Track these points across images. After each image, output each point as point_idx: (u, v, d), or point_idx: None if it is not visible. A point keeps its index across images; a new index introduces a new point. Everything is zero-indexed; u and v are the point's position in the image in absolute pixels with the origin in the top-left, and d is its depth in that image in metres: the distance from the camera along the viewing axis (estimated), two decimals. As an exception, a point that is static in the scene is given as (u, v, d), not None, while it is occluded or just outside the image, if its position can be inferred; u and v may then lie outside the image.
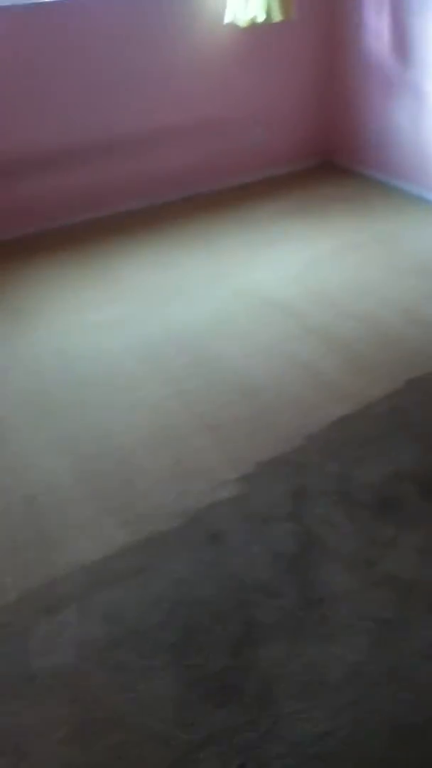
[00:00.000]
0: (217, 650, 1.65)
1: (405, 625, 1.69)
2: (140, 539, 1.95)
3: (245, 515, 2.02)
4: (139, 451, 2.28)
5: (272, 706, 1.53)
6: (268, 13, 3.68)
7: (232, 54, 3.95)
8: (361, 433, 2.31)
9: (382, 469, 2.16)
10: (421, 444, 2.26)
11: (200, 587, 1.80)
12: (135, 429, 2.38)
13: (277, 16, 3.72)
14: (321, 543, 1.92)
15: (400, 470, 2.16)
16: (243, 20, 3.69)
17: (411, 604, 1.74)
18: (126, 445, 2.30)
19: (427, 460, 2.20)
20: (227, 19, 3.71)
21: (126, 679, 1.60)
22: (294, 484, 2.11)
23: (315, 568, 1.84)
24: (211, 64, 3.91)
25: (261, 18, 3.68)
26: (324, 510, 2.02)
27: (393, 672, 1.59)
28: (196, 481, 2.14)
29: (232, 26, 3.80)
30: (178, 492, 2.11)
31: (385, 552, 1.89)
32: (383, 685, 1.56)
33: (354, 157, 4.48)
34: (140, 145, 3.90)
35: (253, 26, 3.79)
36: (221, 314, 3.02)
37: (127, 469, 2.21)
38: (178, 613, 1.74)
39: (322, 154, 4.65)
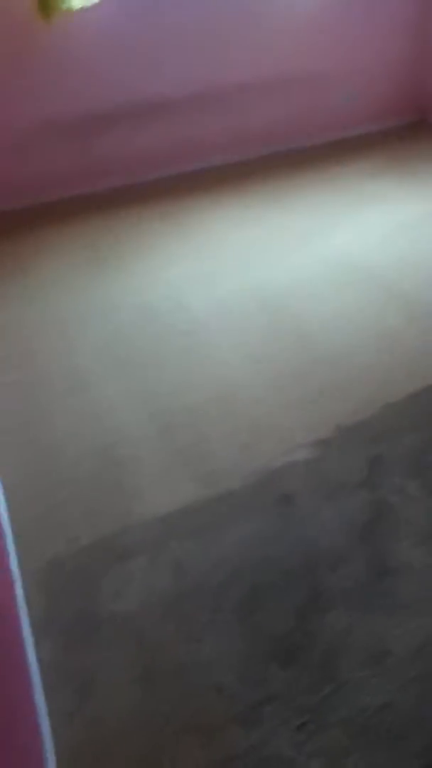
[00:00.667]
0: (282, 612, 1.66)
1: None
2: (212, 495, 1.97)
3: (319, 479, 2.00)
4: (213, 408, 2.29)
5: (335, 672, 1.54)
6: None
7: (325, 8, 3.80)
8: (444, 405, 2.25)
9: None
10: None
11: (269, 548, 1.81)
12: (211, 386, 2.38)
13: None
14: (394, 514, 1.89)
15: None
16: None
17: None
18: (201, 402, 2.31)
19: None
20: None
21: (191, 631, 1.63)
22: (371, 452, 2.07)
23: (386, 538, 1.82)
24: (304, 19, 3.77)
25: None
26: (399, 481, 1.98)
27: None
28: (271, 442, 2.14)
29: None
30: (252, 451, 2.11)
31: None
32: (451, 663, 1.54)
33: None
34: (231, 100, 3.83)
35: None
36: (304, 275, 2.96)
37: (202, 425, 2.22)
38: (246, 572, 1.76)
39: (416, 112, 4.45)
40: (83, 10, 3.20)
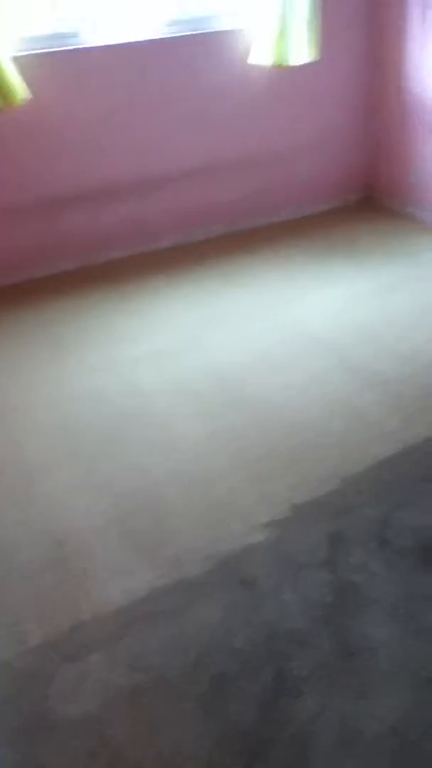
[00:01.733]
0: (247, 702, 1.60)
1: (449, 683, 1.62)
2: (170, 583, 1.93)
3: (279, 560, 1.98)
4: (172, 491, 2.27)
5: (305, 764, 1.47)
6: (289, 54, 3.74)
7: (268, 93, 4.03)
8: (402, 477, 2.26)
9: (424, 514, 2.10)
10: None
11: (231, 635, 1.77)
12: (169, 468, 2.37)
13: (300, 59, 3.77)
14: (358, 592, 1.86)
15: (444, 516, 2.10)
16: (270, 61, 3.76)
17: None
18: (159, 486, 2.30)
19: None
20: (256, 61, 3.80)
21: (151, 731, 1.56)
22: (331, 529, 2.06)
23: (351, 618, 1.79)
24: (246, 103, 3.99)
25: (283, 60, 3.74)
26: (362, 557, 1.97)
27: (435, 733, 1.52)
28: (230, 523, 2.12)
29: (276, 66, 3.88)
30: (211, 534, 2.08)
31: (426, 603, 1.82)
32: (423, 744, 1.49)
33: (395, 195, 4.48)
34: (178, 182, 3.98)
35: (295, 66, 3.86)
36: (259, 351, 3.02)
37: (159, 510, 2.20)
38: (208, 662, 1.70)
39: (362, 191, 4.67)
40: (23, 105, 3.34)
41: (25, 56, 3.32)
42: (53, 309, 3.47)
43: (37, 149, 3.55)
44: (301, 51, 3.75)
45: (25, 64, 3.32)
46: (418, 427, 2.47)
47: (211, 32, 3.75)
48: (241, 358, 2.97)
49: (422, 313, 3.25)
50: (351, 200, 4.66)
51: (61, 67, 3.46)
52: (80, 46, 3.48)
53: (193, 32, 3.71)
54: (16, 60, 3.27)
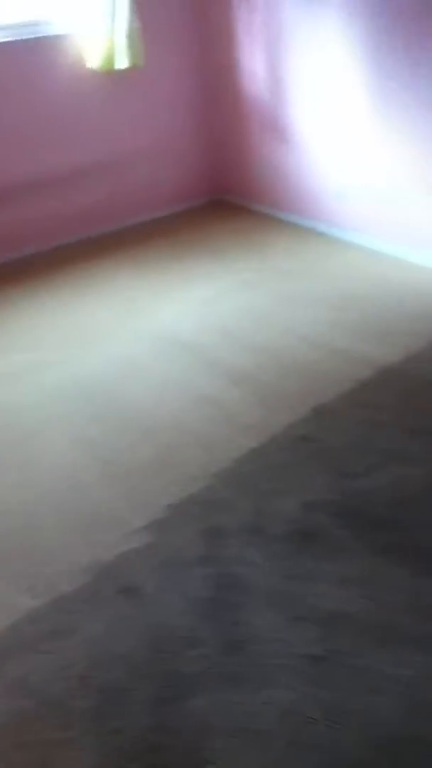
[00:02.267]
0: (138, 711, 1.57)
1: (335, 658, 1.67)
2: (48, 601, 1.86)
3: (158, 563, 1.96)
4: (41, 507, 2.19)
5: (203, 763, 1.46)
6: (115, 59, 3.77)
7: (102, 99, 4.01)
8: (270, 465, 2.31)
9: (295, 500, 2.16)
10: (332, 472, 2.28)
11: (115, 645, 1.73)
12: (37, 484, 2.29)
13: (124, 63, 3.80)
14: (239, 583, 1.88)
15: (313, 500, 2.16)
16: (98, 66, 3.77)
17: (338, 636, 1.72)
18: (28, 502, 2.21)
19: (340, 488, 2.21)
20: (87, 66, 3.80)
21: (39, 757, 1.49)
22: (206, 525, 2.07)
23: (235, 610, 1.80)
24: (82, 109, 3.96)
25: (110, 65, 3.77)
26: (238, 549, 1.99)
27: (327, 708, 1.56)
28: (104, 533, 2.07)
29: (105, 71, 3.87)
30: (86, 547, 2.03)
31: (305, 585, 1.87)
32: (318, 723, 1.53)
33: (245, 194, 4.60)
34: (30, 191, 3.88)
35: (125, 70, 3.87)
36: (122, 356, 2.99)
37: (30, 528, 2.11)
38: (94, 676, 1.65)
39: (214, 192, 4.75)
40: None
41: None
42: None
43: None
44: (125, 56, 3.77)
45: None
46: (280, 415, 2.54)
47: (42, 37, 3.68)
48: (104, 367, 2.92)
49: (279, 305, 3.35)
50: (203, 201, 4.73)
51: None
52: None
53: (23, 37, 3.62)
54: None
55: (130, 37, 3.74)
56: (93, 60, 3.77)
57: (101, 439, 2.48)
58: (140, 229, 4.36)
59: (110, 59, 3.77)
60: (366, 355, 2.90)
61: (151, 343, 3.08)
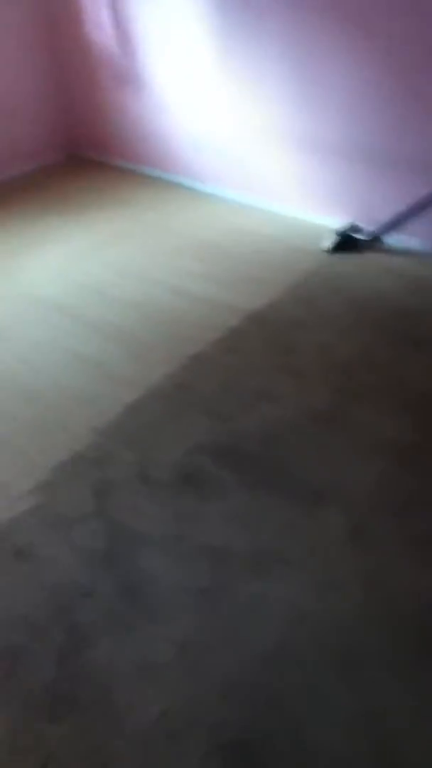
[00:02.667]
0: (43, 666, 1.63)
1: (224, 589, 1.78)
2: None
3: (50, 522, 1.99)
4: None
5: (110, 704, 1.55)
6: None
7: None
8: (151, 417, 2.38)
9: (177, 447, 2.24)
10: (210, 416, 2.38)
11: (14, 607, 1.76)
12: None
13: None
14: (130, 532, 1.95)
15: (194, 445, 2.25)
16: None
17: (226, 569, 1.84)
18: None
19: (218, 431, 2.31)
20: None
21: None
22: (94, 480, 2.12)
23: (128, 558, 1.88)
24: None
25: None
26: (127, 499, 2.06)
27: (220, 636, 1.67)
28: (-8, 500, 2.08)
29: None
30: (-27, 516, 2.03)
31: (192, 525, 1.97)
32: (213, 651, 1.65)
33: (102, 149, 4.52)
34: None
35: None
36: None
37: None
38: (-4, 639, 1.69)
39: (71, 148, 4.63)
40: None
41: None
42: None
43: None
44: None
45: None
46: (155, 367, 2.60)
47: None
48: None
49: (143, 260, 3.37)
50: (60, 159, 4.60)
51: None
52: None
53: None
54: None
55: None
56: None
57: (-22, 407, 2.45)
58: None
59: None
60: (232, 304, 3.00)
61: (17, 306, 3.03)
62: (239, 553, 1.88)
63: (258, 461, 2.19)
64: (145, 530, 1.96)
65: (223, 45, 3.54)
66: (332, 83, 3.29)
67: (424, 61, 3.00)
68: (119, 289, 3.12)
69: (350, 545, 1.91)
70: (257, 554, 1.88)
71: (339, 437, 2.29)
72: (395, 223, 3.40)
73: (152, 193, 4.11)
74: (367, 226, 3.51)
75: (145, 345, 2.73)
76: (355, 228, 3.55)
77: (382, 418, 2.36)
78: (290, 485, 2.10)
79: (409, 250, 3.48)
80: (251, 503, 2.04)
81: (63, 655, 1.65)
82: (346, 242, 3.49)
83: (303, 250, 3.45)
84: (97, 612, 1.74)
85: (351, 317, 2.93)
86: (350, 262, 3.37)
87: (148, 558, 1.87)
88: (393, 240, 3.49)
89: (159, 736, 1.48)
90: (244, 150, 3.80)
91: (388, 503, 2.04)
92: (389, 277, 3.24)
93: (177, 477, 2.13)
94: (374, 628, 1.69)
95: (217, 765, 1.43)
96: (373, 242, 3.51)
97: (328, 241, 3.48)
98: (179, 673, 1.60)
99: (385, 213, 3.40)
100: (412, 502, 2.04)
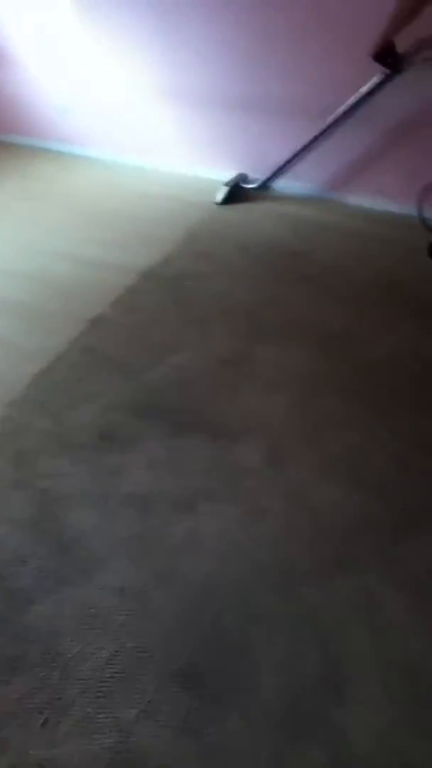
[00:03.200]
0: (-14, 633, 1.62)
1: (155, 533, 1.82)
2: None
3: (-28, 499, 1.96)
4: None
5: (58, 657, 1.56)
6: None
7: None
8: (62, 382, 2.36)
9: (91, 407, 2.24)
10: (119, 374, 2.38)
11: None
12: None
13: None
14: (56, 495, 1.95)
15: (108, 403, 2.25)
16: None
17: (154, 514, 1.87)
18: None
19: (130, 386, 2.32)
20: None
21: None
22: (11, 452, 2.09)
23: (58, 519, 1.88)
24: None
25: None
26: (48, 465, 2.04)
27: (157, 576, 1.71)
28: None
29: None
30: None
31: (116, 479, 1.98)
32: (153, 590, 1.68)
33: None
34: None
35: None
36: None
37: None
38: None
39: None
40: None
41: None
42: None
43: None
44: None
45: None
46: (60, 334, 2.57)
47: None
48: None
49: (30, 228, 3.29)
50: None
51: None
52: None
53: None
54: None
55: None
56: None
57: None
58: None
59: None
60: (127, 263, 2.98)
61: None
62: (166, 498, 1.92)
63: (172, 410, 2.22)
64: (70, 492, 1.96)
65: (83, 3, 3.45)
66: (196, 34, 3.28)
67: (277, 17, 3.04)
68: (11, 261, 3.04)
69: (269, 473, 1.98)
70: (183, 495, 1.92)
71: (247, 377, 2.34)
72: (279, 171, 3.46)
73: (26, 161, 4.01)
74: (254, 175, 3.56)
75: (45, 315, 2.69)
76: (243, 178, 3.59)
77: (284, 353, 2.43)
78: (207, 428, 2.14)
79: (294, 194, 3.56)
80: (171, 450, 2.07)
81: (5, 622, 1.64)
82: (236, 193, 3.53)
83: (192, 204, 3.47)
84: (33, 576, 1.73)
85: (243, 263, 2.97)
86: (239, 211, 3.41)
87: (77, 518, 1.88)
88: (280, 186, 3.56)
89: (112, 678, 1.51)
90: (110, 109, 3.75)
91: (299, 430, 2.12)
92: (276, 222, 3.30)
93: (95, 436, 2.13)
94: (300, 544, 1.77)
95: (171, 694, 1.48)
96: (262, 190, 3.57)
97: (220, 194, 3.50)
98: (123, 616, 1.63)
99: (270, 161, 3.46)
100: (319, 425, 2.13)
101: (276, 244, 3.11)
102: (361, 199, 3.48)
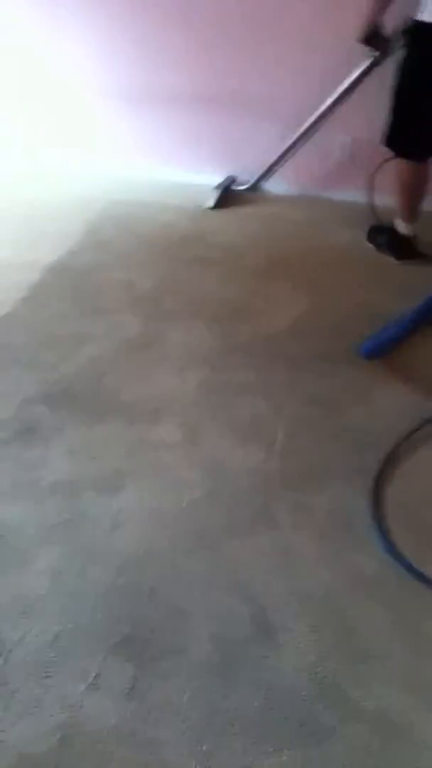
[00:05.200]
0: None
1: (82, 516, 1.81)
2: None
3: None
4: None
5: (0, 645, 1.54)
6: None
7: None
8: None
9: (8, 404, 2.19)
10: (32, 369, 2.33)
11: None
12: None
13: None
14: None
15: (24, 398, 2.21)
16: None
17: (80, 498, 1.86)
18: None
19: (45, 380, 2.28)
20: None
21: None
22: None
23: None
24: None
25: None
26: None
27: (88, 556, 1.71)
28: None
29: None
30: None
31: (40, 470, 1.95)
32: (86, 570, 1.68)
33: None
34: None
35: None
36: None
37: None
38: None
39: None
40: None
41: None
42: None
43: None
44: None
45: None
46: None
47: None
48: None
49: None
50: None
51: None
52: None
53: None
54: None
55: None
56: None
57: None
58: None
59: None
60: (29, 260, 2.92)
61: None
62: (90, 482, 1.91)
63: (90, 398, 2.20)
64: (-2, 488, 1.92)
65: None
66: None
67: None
68: None
69: (187, 446, 2.01)
70: (107, 478, 1.92)
71: (158, 360, 2.36)
72: (269, 170, 3.39)
73: None
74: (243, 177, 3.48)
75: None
76: (232, 180, 3.52)
77: (192, 333, 2.45)
78: (124, 412, 2.14)
79: (182, 183, 3.56)
80: (92, 436, 2.06)
81: None
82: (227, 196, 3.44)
83: (92, 197, 3.42)
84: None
85: (142, 251, 2.97)
86: (132, 203, 3.39)
87: (5, 511, 1.84)
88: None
89: (56, 659, 1.51)
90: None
91: (211, 403, 2.16)
92: (171, 210, 3.31)
93: (15, 431, 2.09)
94: (221, 508, 1.82)
95: (116, 665, 1.48)
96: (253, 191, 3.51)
97: (211, 199, 3.42)
98: (59, 599, 1.62)
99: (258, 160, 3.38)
100: (229, 396, 2.18)
101: (171, 231, 3.11)
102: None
